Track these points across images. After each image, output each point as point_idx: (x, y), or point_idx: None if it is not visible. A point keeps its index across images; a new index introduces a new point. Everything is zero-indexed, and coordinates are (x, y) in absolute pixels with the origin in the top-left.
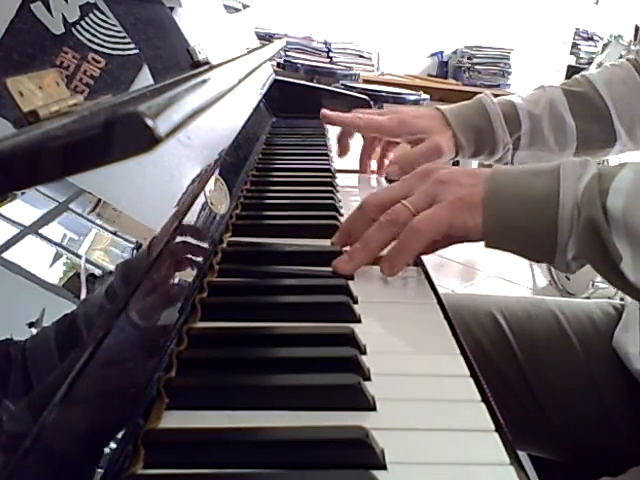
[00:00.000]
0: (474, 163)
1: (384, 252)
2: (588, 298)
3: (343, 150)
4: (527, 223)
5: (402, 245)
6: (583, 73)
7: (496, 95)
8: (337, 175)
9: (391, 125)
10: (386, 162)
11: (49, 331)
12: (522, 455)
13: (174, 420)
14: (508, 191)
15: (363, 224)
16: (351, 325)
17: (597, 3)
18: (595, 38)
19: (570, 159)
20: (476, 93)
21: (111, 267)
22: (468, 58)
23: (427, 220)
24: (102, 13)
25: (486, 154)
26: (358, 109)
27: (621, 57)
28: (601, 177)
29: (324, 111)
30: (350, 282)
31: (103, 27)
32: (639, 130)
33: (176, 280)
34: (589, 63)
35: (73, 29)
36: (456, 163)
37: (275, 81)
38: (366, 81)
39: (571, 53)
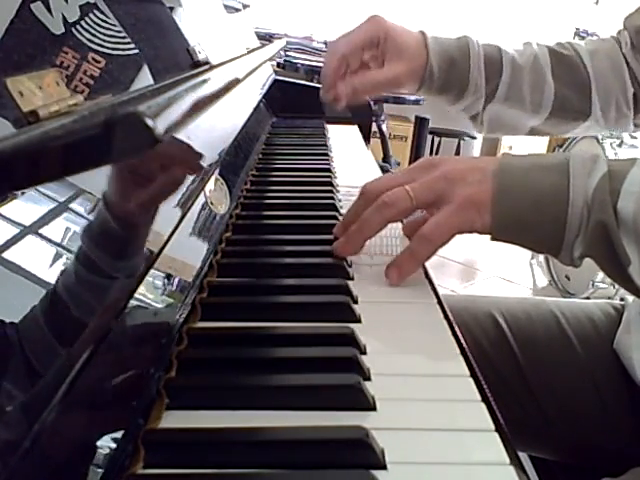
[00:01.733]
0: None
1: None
2: (588, 298)
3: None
4: (536, 221)
5: (412, 253)
6: (569, 40)
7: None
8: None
9: (371, 29)
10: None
11: (49, 331)
12: (522, 455)
13: (174, 420)
14: (517, 189)
15: (363, 211)
16: (351, 325)
17: (597, 3)
18: (595, 38)
19: (580, 154)
20: None
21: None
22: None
23: (437, 228)
24: (102, 13)
25: (454, 94)
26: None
27: None
28: (611, 176)
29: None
30: (350, 282)
31: (103, 27)
32: (612, 107)
33: (176, 280)
34: None
35: (73, 29)
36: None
37: (275, 81)
38: None
39: None
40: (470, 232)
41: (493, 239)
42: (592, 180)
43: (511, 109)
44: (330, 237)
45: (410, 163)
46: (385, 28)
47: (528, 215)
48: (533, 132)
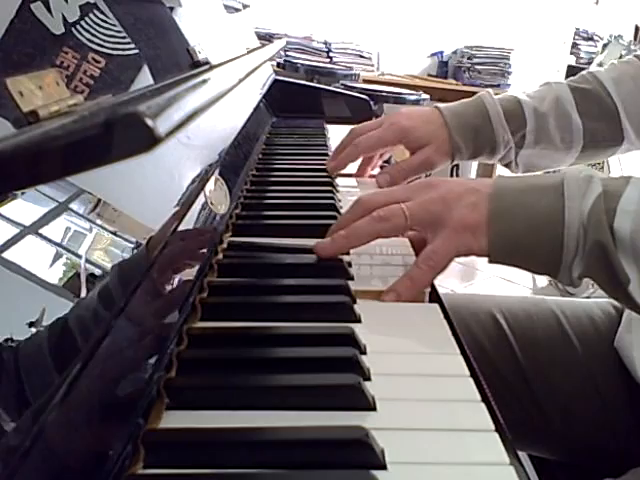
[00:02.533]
0: (474, 164)
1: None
2: (588, 298)
3: (337, 167)
4: (532, 243)
5: (412, 280)
6: (590, 70)
7: (498, 94)
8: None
9: (388, 136)
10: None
11: (49, 331)
12: (522, 455)
13: (174, 420)
14: (512, 211)
15: (355, 220)
16: (351, 325)
17: (597, 3)
18: (595, 38)
19: (574, 174)
20: (476, 93)
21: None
22: (468, 58)
23: (435, 255)
24: (102, 13)
25: (486, 154)
26: (354, 127)
27: (621, 57)
28: (606, 196)
29: (330, 165)
30: (350, 282)
31: (103, 27)
32: None
33: (176, 280)
34: (589, 63)
35: (73, 29)
36: (456, 166)
37: (275, 81)
38: (366, 81)
39: (571, 53)
40: (467, 255)
41: (491, 262)
42: (587, 201)
43: (543, 150)
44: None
45: None
46: (403, 128)
47: (524, 238)
48: (571, 165)
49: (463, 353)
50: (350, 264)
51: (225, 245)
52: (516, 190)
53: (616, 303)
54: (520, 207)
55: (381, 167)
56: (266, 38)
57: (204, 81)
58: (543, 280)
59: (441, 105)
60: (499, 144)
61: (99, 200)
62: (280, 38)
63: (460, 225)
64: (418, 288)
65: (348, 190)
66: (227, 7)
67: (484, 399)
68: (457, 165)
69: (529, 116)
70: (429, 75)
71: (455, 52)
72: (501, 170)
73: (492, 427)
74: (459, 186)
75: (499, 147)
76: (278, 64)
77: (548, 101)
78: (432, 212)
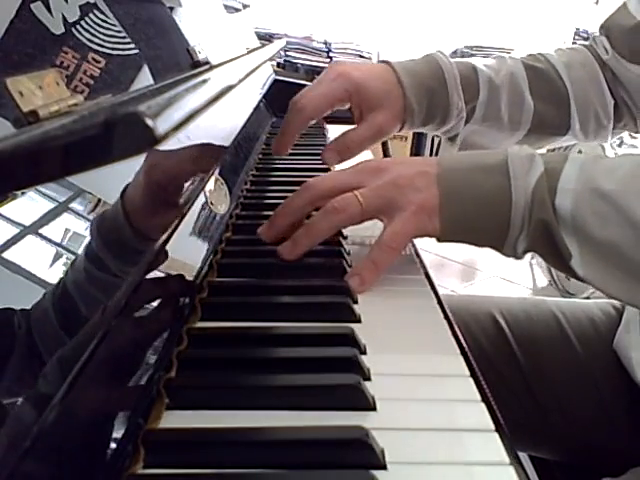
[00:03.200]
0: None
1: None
2: (588, 298)
3: (281, 144)
4: (480, 222)
5: (374, 262)
6: (540, 51)
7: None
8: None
9: (337, 91)
10: None
11: (49, 331)
12: (522, 455)
13: (174, 420)
14: (461, 193)
15: (304, 206)
16: (351, 325)
17: (597, 3)
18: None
19: (516, 152)
20: None
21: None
22: (468, 58)
23: (395, 236)
24: (102, 13)
25: (437, 123)
26: (293, 98)
27: None
28: (548, 174)
29: (274, 147)
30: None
31: (103, 27)
32: (591, 120)
33: (176, 280)
34: None
35: (73, 29)
36: None
37: (275, 81)
38: None
39: None
40: (422, 236)
41: (440, 241)
42: (531, 179)
43: (488, 128)
44: (330, 237)
45: None
46: (353, 81)
47: (473, 218)
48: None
49: (463, 353)
50: (350, 264)
51: (225, 245)
52: (461, 171)
53: (616, 304)
54: (468, 188)
55: None
56: (266, 38)
57: (204, 81)
58: (543, 280)
59: (392, 61)
60: (452, 112)
61: (99, 200)
62: (280, 38)
63: (418, 207)
64: (379, 269)
65: None
66: (227, 7)
67: (484, 399)
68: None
69: (483, 86)
70: None
71: (455, 52)
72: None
73: (492, 427)
74: (408, 168)
75: (451, 115)
76: (278, 64)
77: (503, 74)
78: (387, 198)
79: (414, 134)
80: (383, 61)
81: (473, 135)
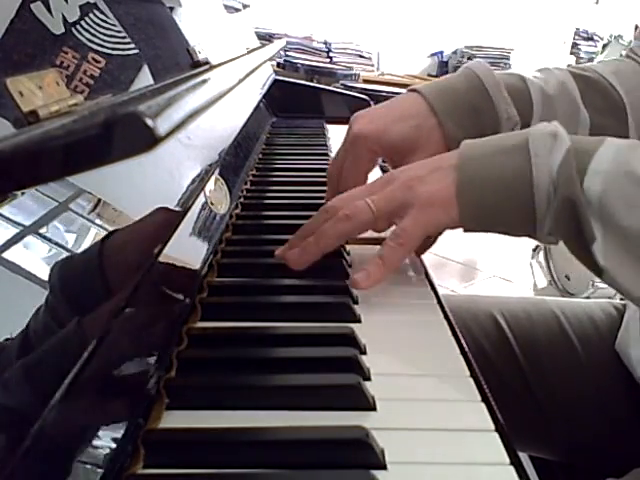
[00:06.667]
0: None
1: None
2: (588, 298)
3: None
4: (502, 205)
5: (383, 260)
6: (585, 64)
7: None
8: None
9: (367, 157)
10: None
11: (49, 330)
12: (522, 455)
13: (174, 420)
14: (480, 177)
15: (320, 226)
16: (351, 325)
17: (597, 3)
18: (595, 38)
19: (539, 128)
20: None
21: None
22: (468, 58)
23: (404, 233)
24: (102, 13)
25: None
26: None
27: (620, 57)
28: (577, 152)
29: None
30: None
31: (103, 27)
32: None
33: (175, 280)
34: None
35: (73, 29)
36: None
37: (275, 81)
38: (366, 81)
39: (571, 53)
40: (438, 230)
41: (466, 231)
42: (556, 156)
43: None
44: None
45: None
46: (371, 136)
47: (494, 203)
48: None
49: (463, 353)
50: (350, 264)
51: (225, 245)
52: (482, 155)
53: (617, 303)
54: (487, 172)
55: (381, 167)
56: (266, 38)
57: (204, 81)
58: (543, 280)
59: (418, 86)
60: (501, 122)
61: (99, 200)
62: (280, 38)
63: (427, 202)
64: (389, 267)
65: None
66: (227, 7)
67: (484, 399)
68: None
69: (536, 97)
70: (429, 75)
71: (455, 52)
72: None
73: (492, 427)
74: (420, 169)
75: (501, 125)
76: (278, 64)
77: (553, 84)
78: (398, 200)
79: None
80: (412, 89)
81: None
